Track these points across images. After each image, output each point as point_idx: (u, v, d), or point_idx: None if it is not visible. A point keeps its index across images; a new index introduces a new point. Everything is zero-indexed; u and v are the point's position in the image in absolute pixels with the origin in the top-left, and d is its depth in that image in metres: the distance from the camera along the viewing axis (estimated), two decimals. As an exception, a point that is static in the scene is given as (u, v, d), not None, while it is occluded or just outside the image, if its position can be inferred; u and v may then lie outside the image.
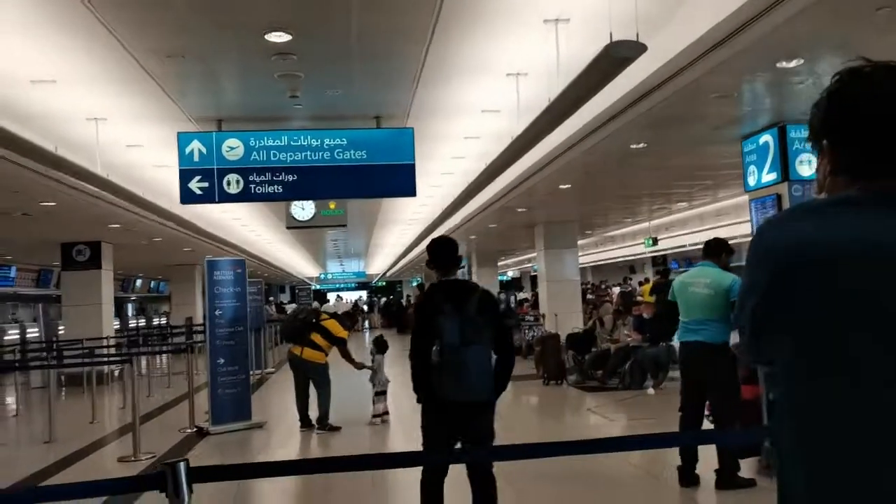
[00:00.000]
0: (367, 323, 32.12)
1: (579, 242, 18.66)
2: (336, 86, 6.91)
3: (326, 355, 8.70)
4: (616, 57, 4.36)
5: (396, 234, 22.83)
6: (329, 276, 43.87)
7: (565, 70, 5.73)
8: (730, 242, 5.72)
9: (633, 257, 31.17)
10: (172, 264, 24.23)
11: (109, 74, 6.21)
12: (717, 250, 5.46)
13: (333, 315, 9.34)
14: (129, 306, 37.18)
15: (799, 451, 1.21)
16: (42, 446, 8.40)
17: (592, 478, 5.82)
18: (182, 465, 2.27)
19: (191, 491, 2.26)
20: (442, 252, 4.22)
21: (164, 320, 37.11)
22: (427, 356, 3.99)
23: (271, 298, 31.56)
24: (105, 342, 15.06)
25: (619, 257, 31.83)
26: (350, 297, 35.70)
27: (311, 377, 8.61)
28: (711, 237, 5.84)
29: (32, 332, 23.20)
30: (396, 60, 6.31)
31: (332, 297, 38.48)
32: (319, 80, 6.70)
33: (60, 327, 23.55)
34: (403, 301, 34.68)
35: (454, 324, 3.95)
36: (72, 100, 6.78)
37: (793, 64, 5.65)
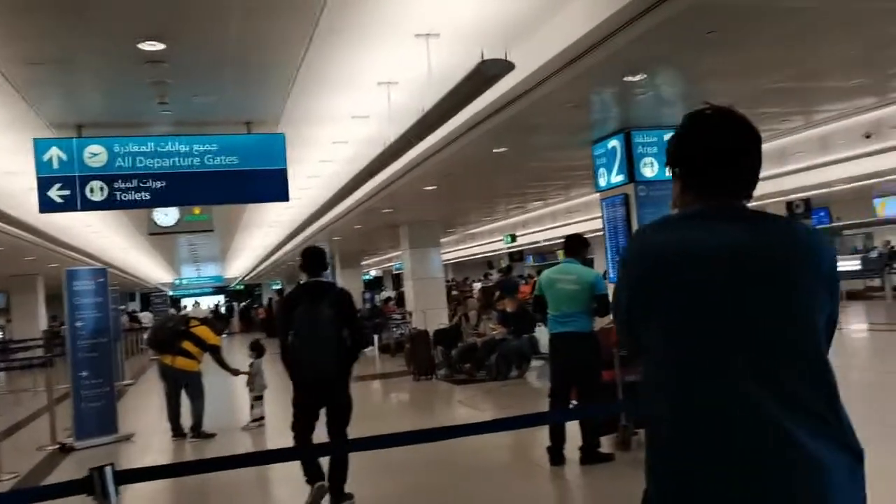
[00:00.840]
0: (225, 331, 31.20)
1: (441, 240, 19.25)
2: (208, 92, 6.91)
3: (199, 363, 8.58)
4: (487, 74, 4.76)
5: (259, 237, 22.47)
6: (184, 282, 42.20)
7: (436, 81, 6.09)
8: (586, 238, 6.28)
9: (491, 253, 32.36)
10: (11, 274, 22.60)
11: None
12: (577, 248, 5.98)
13: (204, 321, 9.21)
14: (-41, 320, 34.09)
15: (659, 387, 1.62)
16: None
17: (465, 466, 6.22)
18: (109, 469, 2.38)
19: (117, 493, 2.38)
20: (313, 259, 5.34)
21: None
22: (286, 343, 5.07)
23: (122, 307, 29.99)
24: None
25: (478, 254, 32.94)
26: (208, 302, 34.52)
27: (183, 386, 8.46)
28: (568, 234, 6.29)
29: None
30: (271, 68, 6.43)
31: (188, 302, 37.08)
32: (190, 87, 6.69)
33: None
34: (264, 304, 33.97)
35: (306, 317, 4.98)
36: None
37: (637, 78, 6.31)
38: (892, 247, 20.99)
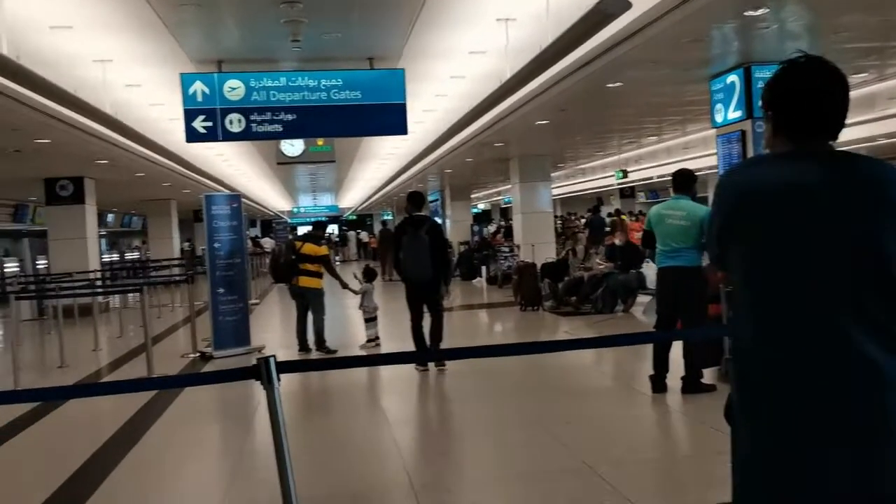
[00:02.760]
0: (338, 256, 32.50)
1: (552, 175, 19.26)
2: (335, 30, 7.33)
3: (321, 279, 9.18)
4: (604, 12, 4.89)
5: (373, 168, 23.20)
6: (302, 210, 44.10)
7: (554, 17, 6.24)
8: (696, 174, 6.35)
9: (601, 189, 31.96)
10: (148, 199, 24.35)
11: (123, 19, 6.56)
12: (687, 183, 6.08)
13: (305, 237, 9.92)
14: (102, 241, 37.20)
15: (750, 311, 1.87)
16: (57, 371, 8.93)
17: (569, 388, 6.60)
18: (272, 359, 2.88)
19: (279, 380, 2.88)
20: (415, 200, 7.80)
21: (135, 254, 37.32)
22: (398, 257, 7.66)
23: (247, 232, 31.85)
24: (93, 275, 15.47)
25: (588, 189, 32.59)
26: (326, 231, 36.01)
27: (308, 302, 9.15)
28: (677, 169, 6.34)
29: (11, 267, 23.38)
30: (394, 6, 6.74)
31: (304, 230, 38.88)
32: (321, 25, 7.12)
33: (41, 261, 23.76)
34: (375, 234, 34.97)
35: (411, 239, 7.48)
36: (84, 44, 7.12)
37: (759, 12, 6.21)
38: None
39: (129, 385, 4.45)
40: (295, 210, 43.84)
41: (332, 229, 43.24)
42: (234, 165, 20.13)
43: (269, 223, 31.76)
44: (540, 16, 6.41)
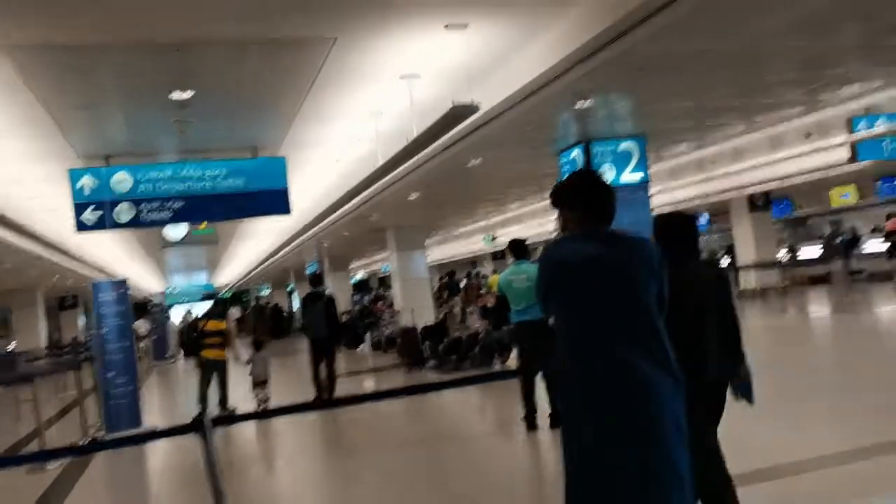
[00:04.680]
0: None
1: (426, 242, 20.35)
2: (221, 126, 8.02)
3: (224, 350, 10.09)
4: (457, 115, 5.91)
5: (250, 246, 23.49)
6: (176, 290, 43.05)
7: (417, 109, 7.26)
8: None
9: (475, 253, 33.51)
10: (11, 289, 23.38)
11: (12, 120, 7.00)
12: (523, 250, 7.10)
13: (207, 315, 10.82)
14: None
15: (563, 343, 2.73)
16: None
17: (455, 438, 7.38)
18: (206, 415, 3.50)
19: (213, 432, 3.49)
20: (315, 280, 10.23)
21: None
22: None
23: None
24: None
25: (462, 254, 34.06)
26: (201, 309, 35.35)
27: (214, 371, 10.00)
28: (511, 239, 7.28)
29: None
30: (275, 104, 7.55)
31: (179, 310, 38.00)
32: (208, 122, 7.79)
33: None
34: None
35: (310, 308, 10.08)
36: None
37: (587, 104, 7.48)
38: (855, 233, 22.40)
39: (63, 452, 4.83)
40: (168, 290, 42.76)
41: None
42: (108, 249, 19.90)
43: (144, 305, 30.99)
44: (404, 112, 7.42)
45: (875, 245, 21.35)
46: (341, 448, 7.91)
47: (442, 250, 33.47)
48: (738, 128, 12.05)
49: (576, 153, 9.92)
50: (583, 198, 2.81)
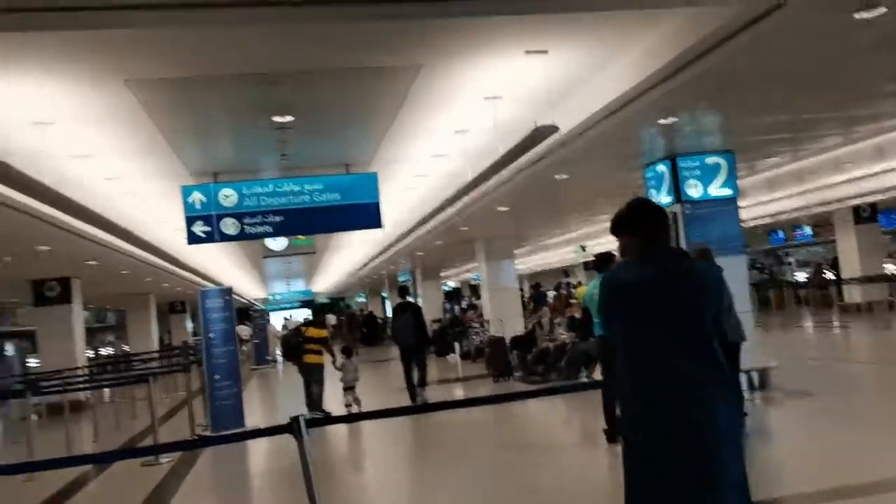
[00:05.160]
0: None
1: (516, 251, 20.53)
2: (317, 145, 8.54)
3: (322, 356, 11.02)
4: (539, 135, 6.14)
5: (346, 255, 24.30)
6: (277, 297, 44.87)
7: (501, 128, 7.53)
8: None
9: (566, 263, 33.39)
10: (128, 293, 24.98)
11: (132, 143, 7.71)
12: (607, 263, 7.22)
13: (308, 323, 11.81)
14: (76, 338, 37.28)
15: (622, 361, 2.93)
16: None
17: (538, 447, 7.58)
18: (301, 417, 3.86)
19: (308, 434, 3.85)
20: (403, 291, 11.06)
21: (109, 350, 37.51)
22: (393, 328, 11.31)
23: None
24: (80, 371, 16.11)
25: (552, 263, 34.02)
26: (300, 315, 36.78)
27: (311, 375, 10.90)
28: (596, 253, 7.52)
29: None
30: (368, 127, 8.00)
31: (278, 316, 39.59)
32: (305, 141, 8.32)
33: (30, 360, 24.17)
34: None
35: (399, 317, 11.53)
36: (103, 169, 8.30)
37: (670, 120, 7.54)
38: None
39: (174, 446, 5.36)
40: (270, 297, 44.58)
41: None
42: (214, 258, 21.07)
43: (246, 311, 32.50)
44: (488, 130, 7.71)
45: None
46: (429, 452, 8.26)
47: (533, 260, 33.53)
48: (836, 140, 11.70)
49: (662, 168, 9.92)
50: (636, 225, 3.01)
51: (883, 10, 4.86)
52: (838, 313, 19.72)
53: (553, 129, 6.29)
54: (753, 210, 19.75)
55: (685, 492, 2.78)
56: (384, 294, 36.43)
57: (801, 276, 28.30)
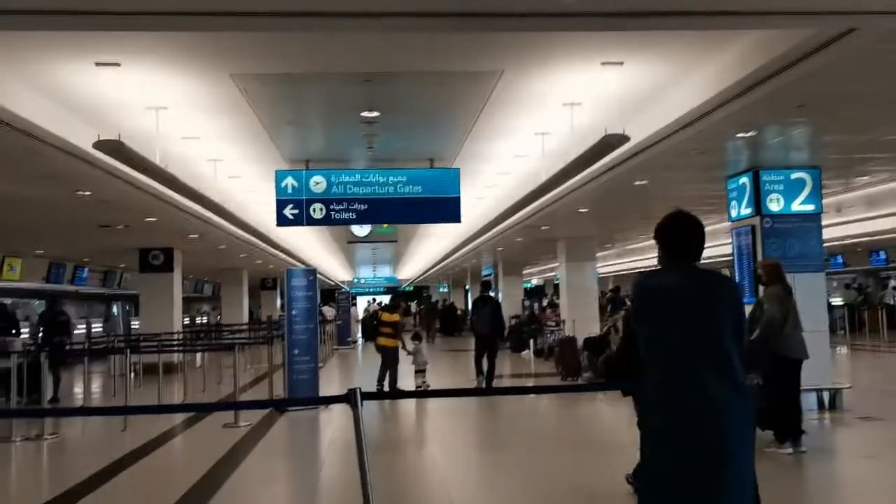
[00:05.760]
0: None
1: (601, 254, 20.52)
2: (403, 138, 8.99)
3: (395, 340, 11.92)
4: (609, 144, 6.36)
5: (429, 245, 24.86)
6: (362, 281, 46.12)
7: (577, 132, 7.77)
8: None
9: (650, 268, 32.92)
10: (223, 268, 26.35)
11: (235, 131, 8.36)
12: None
13: (383, 307, 13.10)
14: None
15: (652, 365, 3.17)
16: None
17: (596, 443, 7.80)
18: (358, 390, 4.28)
19: (363, 405, 4.26)
20: (485, 286, 12.13)
21: (204, 319, 39.58)
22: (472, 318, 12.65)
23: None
24: (176, 336, 17.29)
25: (637, 268, 33.59)
26: (384, 300, 37.72)
27: (386, 356, 11.82)
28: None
29: (95, 328, 25.60)
30: (452, 122, 8.38)
31: (363, 300, 40.67)
32: (391, 135, 8.78)
33: (134, 323, 25.94)
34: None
35: (479, 309, 12.45)
36: (207, 151, 9.06)
37: (749, 134, 7.58)
38: None
39: (254, 404, 5.99)
40: (356, 280, 45.87)
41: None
42: (304, 240, 21.99)
43: (332, 292, 33.65)
44: (566, 134, 7.95)
45: None
46: (489, 437, 8.63)
47: (620, 263, 33.25)
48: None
49: (744, 180, 9.86)
50: (671, 237, 3.24)
51: (962, 39, 4.85)
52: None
53: (624, 138, 6.49)
54: (850, 227, 19.08)
55: (698, 488, 3.01)
56: (466, 286, 36.91)
57: (902, 300, 26.99)
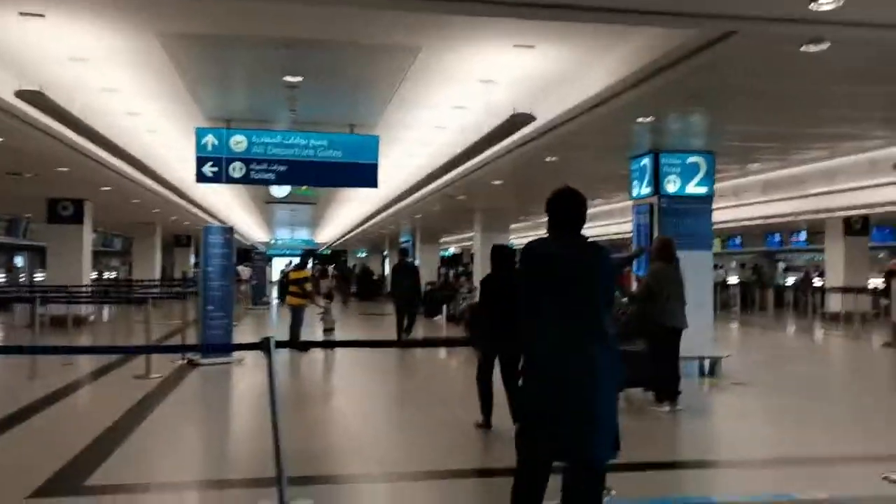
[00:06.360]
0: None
1: (516, 226, 21.21)
2: (325, 105, 9.21)
3: (304, 300, 12.34)
4: (516, 123, 6.82)
5: (349, 210, 25.02)
6: (279, 242, 45.76)
7: (492, 111, 8.20)
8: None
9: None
10: (136, 222, 25.71)
11: (156, 86, 8.42)
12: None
13: (294, 267, 13.28)
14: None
15: (536, 322, 3.63)
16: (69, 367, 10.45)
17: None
18: (272, 338, 4.62)
19: (275, 353, 4.61)
20: (404, 252, 12.17)
21: (114, 274, 38.57)
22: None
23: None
24: (84, 289, 16.97)
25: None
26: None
27: (295, 315, 12.15)
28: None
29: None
30: (373, 93, 8.67)
31: (282, 261, 40.45)
32: (313, 101, 8.99)
33: (38, 275, 25.13)
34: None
35: (398, 274, 14.22)
36: (127, 105, 9.09)
37: (648, 119, 8.18)
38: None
39: (167, 348, 6.26)
40: (273, 241, 45.46)
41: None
42: (222, 199, 21.79)
43: (248, 252, 33.41)
44: (481, 110, 8.39)
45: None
46: (397, 391, 9.08)
47: (532, 235, 34.17)
48: (821, 153, 12.28)
49: (645, 161, 10.54)
50: (555, 210, 3.71)
51: (826, 44, 5.49)
52: (818, 320, 20.39)
53: (530, 117, 6.96)
54: (747, 210, 20.33)
55: (567, 422, 3.50)
56: (384, 252, 37.24)
57: (791, 281, 28.93)
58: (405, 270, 14.15)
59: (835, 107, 7.95)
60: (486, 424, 6.57)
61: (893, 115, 8.49)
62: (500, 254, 7.03)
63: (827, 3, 4.68)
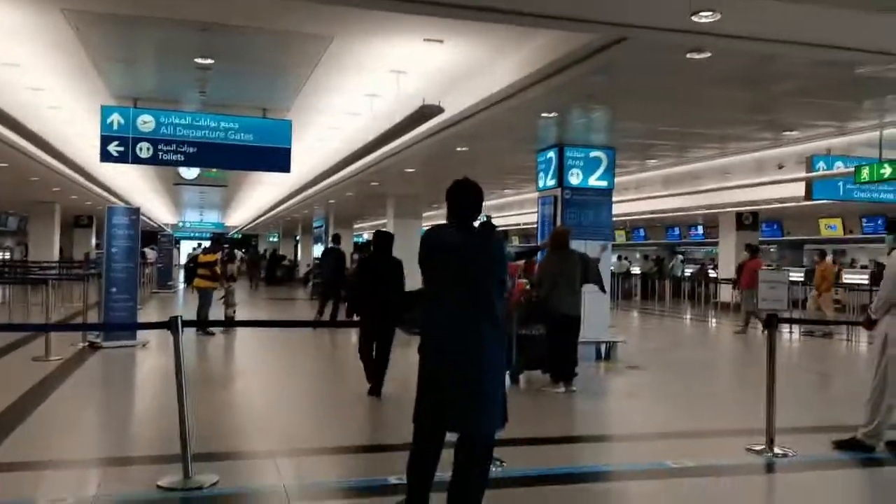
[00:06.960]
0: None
1: (428, 214, 21.49)
2: (236, 87, 9.21)
3: (212, 283, 12.59)
4: (425, 114, 7.08)
5: (260, 193, 24.72)
6: (188, 225, 44.59)
7: (403, 100, 8.42)
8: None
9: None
10: (33, 200, 24.63)
11: (61, 63, 8.22)
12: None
13: (203, 250, 13.67)
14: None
15: (431, 304, 3.91)
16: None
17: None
18: (179, 318, 4.72)
19: (182, 332, 4.72)
20: (336, 239, 13.71)
21: (7, 255, 36.71)
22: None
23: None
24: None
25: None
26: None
27: (202, 297, 12.36)
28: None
29: None
30: (286, 78, 8.74)
31: (190, 245, 39.41)
32: (224, 83, 8.97)
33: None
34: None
35: (325, 259, 15.03)
36: (28, 80, 8.86)
37: (552, 115, 8.59)
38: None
39: (69, 326, 6.14)
40: (181, 224, 44.27)
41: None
42: (128, 179, 21.17)
43: (154, 234, 32.51)
44: (393, 99, 8.60)
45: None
46: (302, 369, 9.22)
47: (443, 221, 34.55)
48: (713, 152, 13.06)
49: (551, 154, 11.01)
50: (453, 199, 3.98)
51: (708, 54, 5.98)
52: (711, 309, 21.58)
53: (438, 109, 7.25)
54: (649, 203, 21.31)
55: (457, 397, 3.79)
56: (297, 237, 36.91)
57: (689, 272, 30.41)
58: (330, 255, 14.88)
59: (719, 109, 8.57)
60: (375, 392, 7.31)
61: (774, 117, 9.19)
62: (383, 238, 7.99)
63: (707, 16, 5.14)
